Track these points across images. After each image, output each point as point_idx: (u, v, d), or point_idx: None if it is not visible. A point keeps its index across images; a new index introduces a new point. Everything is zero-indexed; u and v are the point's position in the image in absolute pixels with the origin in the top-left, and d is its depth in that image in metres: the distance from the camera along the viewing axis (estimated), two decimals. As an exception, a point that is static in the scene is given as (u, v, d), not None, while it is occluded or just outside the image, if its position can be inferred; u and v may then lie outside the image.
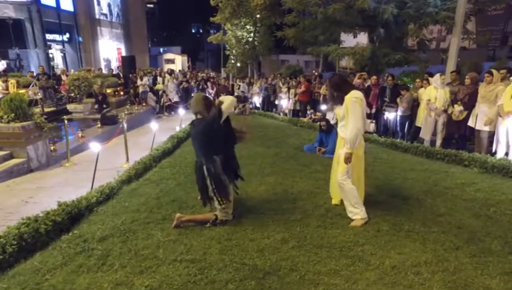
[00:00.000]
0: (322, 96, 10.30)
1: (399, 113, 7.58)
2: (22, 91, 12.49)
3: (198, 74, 17.92)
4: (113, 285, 2.46)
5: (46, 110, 10.78)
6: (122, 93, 13.90)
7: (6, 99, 6.09)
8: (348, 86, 3.44)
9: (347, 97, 3.26)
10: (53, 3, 18.99)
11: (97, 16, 24.04)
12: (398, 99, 7.49)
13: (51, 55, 20.79)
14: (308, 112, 11.24)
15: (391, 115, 7.81)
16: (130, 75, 15.15)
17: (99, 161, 6.68)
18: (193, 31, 68.28)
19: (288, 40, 12.92)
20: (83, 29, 21.96)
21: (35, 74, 13.22)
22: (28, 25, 18.10)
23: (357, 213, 3.37)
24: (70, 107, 11.23)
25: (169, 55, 40.19)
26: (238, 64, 21.34)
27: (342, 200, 3.60)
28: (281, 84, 12.91)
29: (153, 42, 59.42)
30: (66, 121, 6.59)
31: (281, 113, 13.14)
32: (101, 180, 4.74)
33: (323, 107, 9.78)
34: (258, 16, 18.48)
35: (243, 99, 14.08)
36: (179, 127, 9.87)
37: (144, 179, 5.28)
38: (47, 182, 5.52)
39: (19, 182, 5.55)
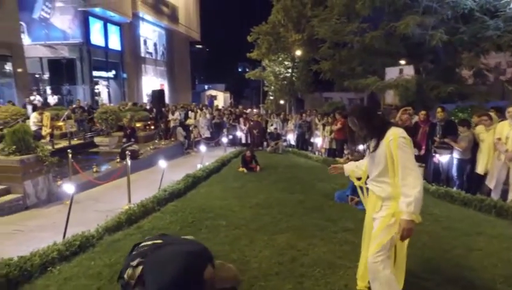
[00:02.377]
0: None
1: (456, 156, 6.19)
2: (61, 123, 12.84)
3: (232, 109, 17.67)
4: None
5: (74, 142, 10.73)
6: (152, 127, 13.71)
7: (9, 131, 5.75)
8: (381, 119, 2.38)
9: (390, 137, 2.19)
10: (102, 43, 20.16)
11: (142, 54, 25.25)
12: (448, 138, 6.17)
13: (97, 91, 21.86)
14: (345, 152, 10.05)
15: (444, 158, 6.43)
16: (163, 109, 15.06)
17: (101, 201, 6.04)
18: (239, 69, 70.82)
19: (324, 73, 12.04)
20: (128, 67, 23.01)
21: (73, 108, 13.55)
22: (79, 63, 19.25)
23: None
24: (97, 140, 11.07)
25: (211, 92, 41.38)
26: (282, 102, 20.74)
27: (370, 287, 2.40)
28: (317, 121, 11.93)
29: (200, 80, 62.23)
30: (70, 156, 6.09)
31: (316, 152, 12.05)
32: (90, 225, 4.03)
33: (362, 147, 8.59)
34: (296, 51, 18.05)
35: (275, 137, 13.25)
36: (201, 165, 9.16)
37: (135, 227, 4.46)
38: (31, 223, 4.88)
39: (7, 221, 4.99)
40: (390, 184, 2.21)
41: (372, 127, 2.28)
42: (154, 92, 13.32)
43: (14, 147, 5.60)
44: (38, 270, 3.04)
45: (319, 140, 11.24)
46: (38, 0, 17.38)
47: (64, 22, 18.26)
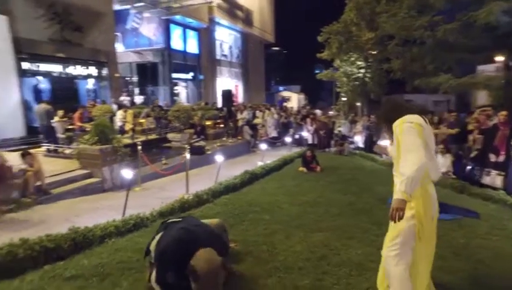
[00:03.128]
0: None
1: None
2: (142, 120, 14.32)
3: (299, 110, 17.55)
4: None
5: (150, 137, 11.88)
6: (222, 125, 14.43)
7: (94, 124, 6.69)
8: (406, 111, 2.22)
9: (396, 124, 2.08)
10: (181, 48, 21.84)
11: (218, 57, 26.63)
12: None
13: (176, 91, 23.77)
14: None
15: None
16: (232, 109, 15.76)
17: (165, 189, 6.63)
18: (317, 71, 70.13)
19: (395, 72, 11.25)
20: (204, 69, 24.52)
21: (152, 107, 15.00)
22: (161, 66, 21.18)
23: None
24: (170, 136, 12.09)
25: (285, 93, 41.66)
26: (358, 104, 19.83)
27: None
28: (385, 123, 11.27)
29: (276, 81, 63.03)
30: (139, 148, 6.81)
31: (383, 156, 11.38)
32: (149, 209, 4.60)
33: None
34: (369, 51, 17.21)
35: (340, 138, 12.88)
36: (261, 162, 9.39)
37: (185, 214, 4.83)
38: (105, 202, 5.63)
39: (87, 200, 5.84)
40: (397, 176, 2.08)
41: (387, 120, 2.16)
42: (223, 92, 14.00)
43: (97, 138, 6.49)
44: (98, 240, 3.54)
45: (385, 142, 10.58)
46: (131, 13, 19.59)
47: (150, 30, 20.28)
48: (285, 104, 31.11)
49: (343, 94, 21.80)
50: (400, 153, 2.04)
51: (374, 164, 10.31)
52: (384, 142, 2.84)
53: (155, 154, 9.61)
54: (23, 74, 12.02)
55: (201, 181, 6.88)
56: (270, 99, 38.79)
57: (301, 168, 8.87)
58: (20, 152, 5.44)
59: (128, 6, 18.18)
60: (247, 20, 28.52)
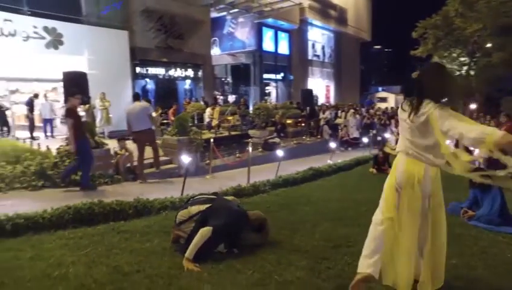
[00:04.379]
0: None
1: None
2: (230, 117, 15.62)
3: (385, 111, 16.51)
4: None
5: (233, 133, 12.95)
6: (303, 124, 14.71)
7: (176, 118, 7.82)
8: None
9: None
10: (272, 49, 22.76)
11: (309, 57, 26.81)
12: None
13: (267, 91, 24.88)
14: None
15: None
16: (315, 108, 15.88)
17: (231, 179, 7.29)
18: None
19: (496, 66, 9.77)
20: (294, 69, 25.02)
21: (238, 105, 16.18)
22: (252, 67, 22.48)
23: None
24: (250, 132, 12.94)
25: (382, 94, 39.46)
26: (473, 106, 17.64)
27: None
28: (480, 125, 10.00)
29: (376, 81, 59.86)
30: (212, 141, 7.67)
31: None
32: None
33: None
34: (475, 44, 15.26)
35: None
36: (330, 161, 9.45)
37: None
38: (176, 186, 6.57)
39: (163, 181, 6.90)
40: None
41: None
42: (303, 91, 14.28)
43: (176, 130, 7.59)
44: (155, 210, 4.33)
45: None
46: (227, 19, 21.34)
47: (243, 34, 21.73)
48: (379, 104, 29.59)
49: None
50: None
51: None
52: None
53: (232, 149, 10.55)
54: (135, 76, 14.43)
55: (267, 174, 7.32)
56: (364, 100, 37.22)
57: (371, 169, 8.66)
58: (117, 138, 6.81)
59: (224, 13, 19.86)
60: (341, 19, 27.95)
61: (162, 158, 7.58)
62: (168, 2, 15.06)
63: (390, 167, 8.48)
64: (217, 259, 2.80)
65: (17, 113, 11.51)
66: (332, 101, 28.90)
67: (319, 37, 28.13)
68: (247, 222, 3.17)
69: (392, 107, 17.22)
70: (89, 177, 5.57)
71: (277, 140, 11.17)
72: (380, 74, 66.85)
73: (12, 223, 3.25)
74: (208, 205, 3.15)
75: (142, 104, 6.63)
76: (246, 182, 6.67)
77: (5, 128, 10.33)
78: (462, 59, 16.40)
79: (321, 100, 28.20)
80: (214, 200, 3.27)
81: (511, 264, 3.21)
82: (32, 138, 9.81)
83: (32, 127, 10.37)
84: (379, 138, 13.98)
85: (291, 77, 25.02)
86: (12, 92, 11.69)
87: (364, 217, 4.35)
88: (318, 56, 28.25)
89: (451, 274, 2.72)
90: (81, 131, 5.41)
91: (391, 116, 14.32)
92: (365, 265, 2.25)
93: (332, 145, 10.14)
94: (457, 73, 17.03)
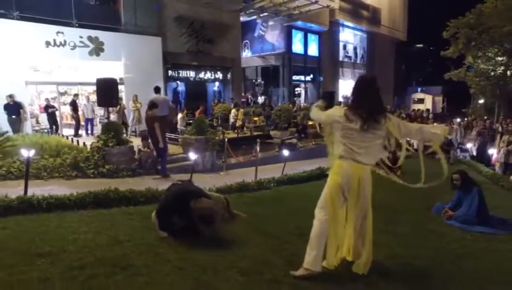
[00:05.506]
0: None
1: None
2: (256, 118, 16.29)
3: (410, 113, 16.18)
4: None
5: (255, 133, 13.58)
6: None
7: (195, 120, 8.62)
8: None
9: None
10: (301, 51, 23.12)
11: (341, 59, 26.78)
12: None
13: (297, 92, 25.29)
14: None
15: None
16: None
17: (243, 176, 7.89)
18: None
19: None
20: (324, 71, 25.18)
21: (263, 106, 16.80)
22: (281, 69, 23.01)
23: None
24: (272, 133, 13.53)
25: (419, 95, 38.23)
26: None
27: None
28: (500, 129, 9.85)
29: (418, 82, 57.52)
30: (226, 141, 8.38)
31: (497, 168, 9.91)
32: None
33: None
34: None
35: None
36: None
37: (237, 194, 5.99)
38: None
39: (180, 176, 7.68)
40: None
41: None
42: (324, 93, 14.55)
43: (195, 130, 8.39)
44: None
45: (494, 152, 9.30)
46: (258, 22, 22.03)
47: (273, 36, 22.32)
48: (416, 106, 28.88)
49: (478, 96, 19.03)
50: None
51: (475, 175, 9.21)
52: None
53: (250, 148, 11.19)
54: (167, 79, 15.55)
55: (276, 171, 7.86)
56: (401, 101, 36.19)
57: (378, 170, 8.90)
58: (141, 137, 7.74)
59: (254, 17, 20.59)
60: (374, 19, 27.58)
61: (181, 155, 8.42)
62: (199, 9, 16.04)
63: (399, 168, 8.77)
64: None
65: (64, 113, 13.05)
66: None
67: (351, 37, 27.98)
68: (188, 209, 3.34)
69: (414, 110, 16.93)
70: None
71: (294, 141, 11.68)
72: (423, 74, 64.04)
73: (47, 202, 4.14)
74: (167, 189, 3.87)
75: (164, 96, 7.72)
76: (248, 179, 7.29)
77: (54, 127, 11.77)
78: (499, 59, 15.73)
79: (352, 101, 28.11)
80: (175, 185, 3.84)
81: (462, 258, 3.57)
82: (76, 135, 11.15)
83: (78, 126, 11.75)
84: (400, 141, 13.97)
85: (321, 79, 25.21)
86: (62, 94, 13.24)
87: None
88: (350, 57, 28.08)
89: (400, 262, 3.21)
90: (164, 132, 6.63)
91: (414, 118, 14.22)
92: (310, 262, 2.70)
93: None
94: (492, 74, 16.36)
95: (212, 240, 3.39)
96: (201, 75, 16.98)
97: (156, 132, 6.94)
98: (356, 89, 2.88)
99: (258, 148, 7.68)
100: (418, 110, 20.44)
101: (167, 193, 3.77)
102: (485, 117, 15.53)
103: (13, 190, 4.61)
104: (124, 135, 8.05)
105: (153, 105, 6.90)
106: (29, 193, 4.49)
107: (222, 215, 3.63)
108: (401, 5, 31.26)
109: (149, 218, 4.07)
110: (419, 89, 47.68)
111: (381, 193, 6.47)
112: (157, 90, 8.09)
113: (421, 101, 36.54)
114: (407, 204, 5.57)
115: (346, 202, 2.82)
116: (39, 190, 4.75)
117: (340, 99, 27.20)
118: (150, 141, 7.50)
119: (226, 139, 8.48)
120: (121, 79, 13.52)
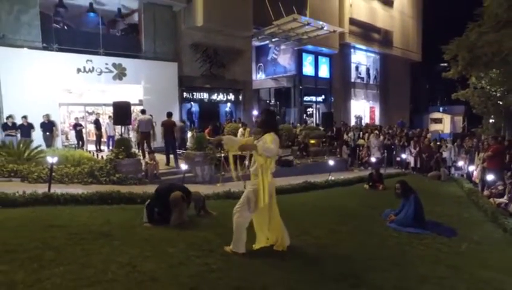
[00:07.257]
0: None
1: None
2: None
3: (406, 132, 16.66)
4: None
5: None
6: (326, 144, 15.91)
7: (196, 137, 9.88)
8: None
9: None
10: (312, 73, 24.26)
11: (353, 80, 27.66)
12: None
13: (309, 113, 26.30)
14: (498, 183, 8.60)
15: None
16: (341, 129, 16.99)
17: (237, 188, 8.95)
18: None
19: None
20: (336, 92, 26.12)
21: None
22: (293, 90, 24.19)
23: None
24: (274, 150, 14.55)
25: (436, 115, 37.97)
26: None
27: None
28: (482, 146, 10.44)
29: (442, 101, 56.86)
30: (222, 156, 9.54)
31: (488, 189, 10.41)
32: None
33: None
34: None
35: (437, 163, 12.38)
36: (331, 177, 10.65)
37: (229, 202, 7.04)
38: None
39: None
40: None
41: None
42: (323, 114, 15.55)
43: (195, 146, 9.63)
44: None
45: (473, 169, 9.89)
46: (271, 46, 23.53)
47: (285, 60, 23.66)
48: (433, 126, 29.08)
49: (491, 117, 19.24)
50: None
51: (456, 190, 9.82)
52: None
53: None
54: (182, 100, 17.11)
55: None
56: (418, 121, 36.13)
57: (365, 185, 9.75)
58: (148, 151, 9.08)
59: (266, 42, 22.08)
60: (386, 41, 28.43)
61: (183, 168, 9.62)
62: (213, 36, 17.67)
63: (382, 183, 9.55)
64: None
65: (90, 131, 14.79)
66: (377, 122, 29.10)
67: (363, 59, 28.87)
68: (166, 201, 4.46)
69: (415, 131, 17.44)
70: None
71: (290, 158, 12.65)
72: (447, 93, 63.21)
73: (63, 198, 5.45)
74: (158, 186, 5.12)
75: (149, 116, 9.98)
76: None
77: (80, 143, 13.45)
78: (500, 79, 15.99)
79: (365, 121, 28.75)
80: (165, 183, 5.09)
81: (376, 247, 4.47)
82: (98, 150, 12.72)
83: (98, 141, 13.37)
84: (398, 159, 14.62)
85: (332, 99, 26.13)
86: (90, 113, 15.03)
87: (323, 220, 5.76)
88: (362, 78, 28.87)
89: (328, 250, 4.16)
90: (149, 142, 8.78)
91: (411, 137, 14.83)
92: (239, 247, 3.70)
93: (331, 162, 11.33)
94: (494, 93, 16.68)
95: (180, 226, 4.51)
96: (214, 96, 18.44)
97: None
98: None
99: (247, 163, 8.76)
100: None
101: (157, 188, 4.96)
102: (499, 138, 15.76)
103: (41, 189, 5.98)
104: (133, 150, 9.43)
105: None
106: (52, 192, 5.84)
107: (189, 203, 4.87)
108: (414, 28, 31.93)
109: (140, 213, 5.28)
110: (441, 109, 47.17)
111: (347, 200, 7.45)
112: (169, 115, 10.20)
113: (439, 121, 36.20)
114: (362, 210, 6.46)
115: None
116: (60, 190, 6.08)
117: (352, 118, 28.00)
118: (154, 154, 8.82)
119: (223, 156, 9.63)
120: (140, 100, 15.21)
